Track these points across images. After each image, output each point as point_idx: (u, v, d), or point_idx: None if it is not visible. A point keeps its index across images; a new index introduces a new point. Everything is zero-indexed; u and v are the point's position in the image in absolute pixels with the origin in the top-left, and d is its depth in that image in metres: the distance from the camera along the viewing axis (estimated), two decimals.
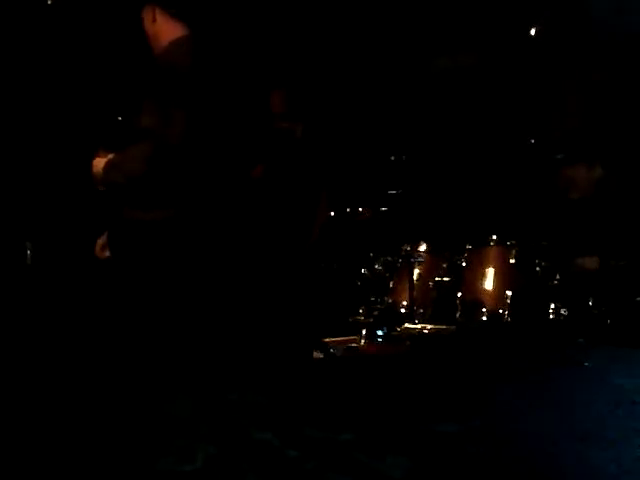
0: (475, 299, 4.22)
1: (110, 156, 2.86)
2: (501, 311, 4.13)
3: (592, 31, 4.81)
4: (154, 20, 2.81)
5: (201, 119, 2.93)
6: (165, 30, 2.81)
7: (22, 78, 3.71)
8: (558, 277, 4.07)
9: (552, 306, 4.04)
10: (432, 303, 4.46)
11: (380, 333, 4.29)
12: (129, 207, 2.87)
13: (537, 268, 4.13)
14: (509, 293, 4.13)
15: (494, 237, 4.32)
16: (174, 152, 2.77)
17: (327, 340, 3.98)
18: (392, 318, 4.42)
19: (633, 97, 4.75)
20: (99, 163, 2.87)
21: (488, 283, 4.23)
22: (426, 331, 4.27)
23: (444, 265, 4.50)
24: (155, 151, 2.74)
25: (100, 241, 3.06)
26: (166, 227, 2.85)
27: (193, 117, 2.86)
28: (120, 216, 2.91)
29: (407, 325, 4.34)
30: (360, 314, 4.42)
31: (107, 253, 3.03)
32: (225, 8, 4.27)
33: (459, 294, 4.26)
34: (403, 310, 4.49)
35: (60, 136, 3.82)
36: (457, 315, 4.23)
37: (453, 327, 4.23)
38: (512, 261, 4.23)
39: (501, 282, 4.20)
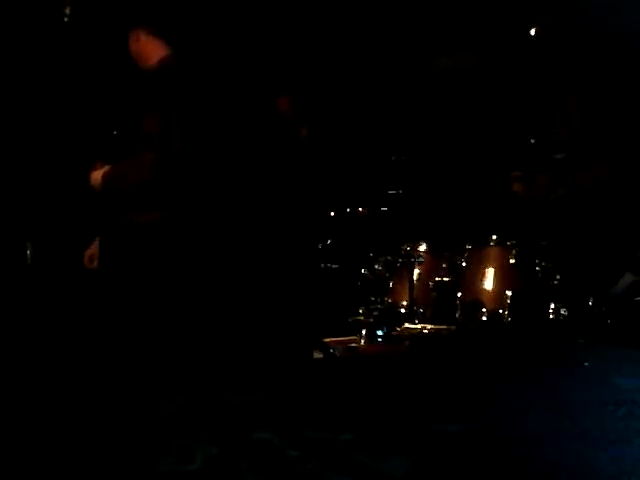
0: (475, 299, 4.21)
1: (106, 168, 2.90)
2: (501, 311, 4.12)
3: (591, 31, 4.81)
4: (138, 40, 2.96)
5: (200, 122, 2.95)
6: (147, 48, 2.96)
7: (27, 91, 3.80)
8: (558, 277, 4.06)
9: (552, 306, 4.03)
10: (432, 303, 4.46)
11: (380, 333, 4.28)
12: (126, 210, 2.88)
13: (537, 268, 4.13)
14: (509, 293, 4.12)
15: (494, 237, 4.32)
16: (176, 156, 2.80)
17: (327, 340, 3.97)
18: (392, 318, 4.42)
19: (632, 97, 4.74)
20: (97, 175, 2.90)
21: (488, 283, 4.22)
22: (426, 331, 4.27)
23: (444, 265, 4.50)
24: (159, 157, 2.77)
25: (88, 252, 3.07)
26: (164, 229, 2.86)
27: (192, 120, 2.88)
28: (116, 219, 2.91)
29: (407, 325, 4.34)
30: (360, 314, 4.41)
31: (95, 264, 3.04)
32: (215, 20, 4.33)
33: (459, 294, 4.26)
34: (403, 310, 4.49)
35: (59, 143, 3.86)
36: (457, 315, 4.23)
37: (453, 327, 4.22)
38: (512, 261, 4.22)
39: (501, 282, 4.20)
